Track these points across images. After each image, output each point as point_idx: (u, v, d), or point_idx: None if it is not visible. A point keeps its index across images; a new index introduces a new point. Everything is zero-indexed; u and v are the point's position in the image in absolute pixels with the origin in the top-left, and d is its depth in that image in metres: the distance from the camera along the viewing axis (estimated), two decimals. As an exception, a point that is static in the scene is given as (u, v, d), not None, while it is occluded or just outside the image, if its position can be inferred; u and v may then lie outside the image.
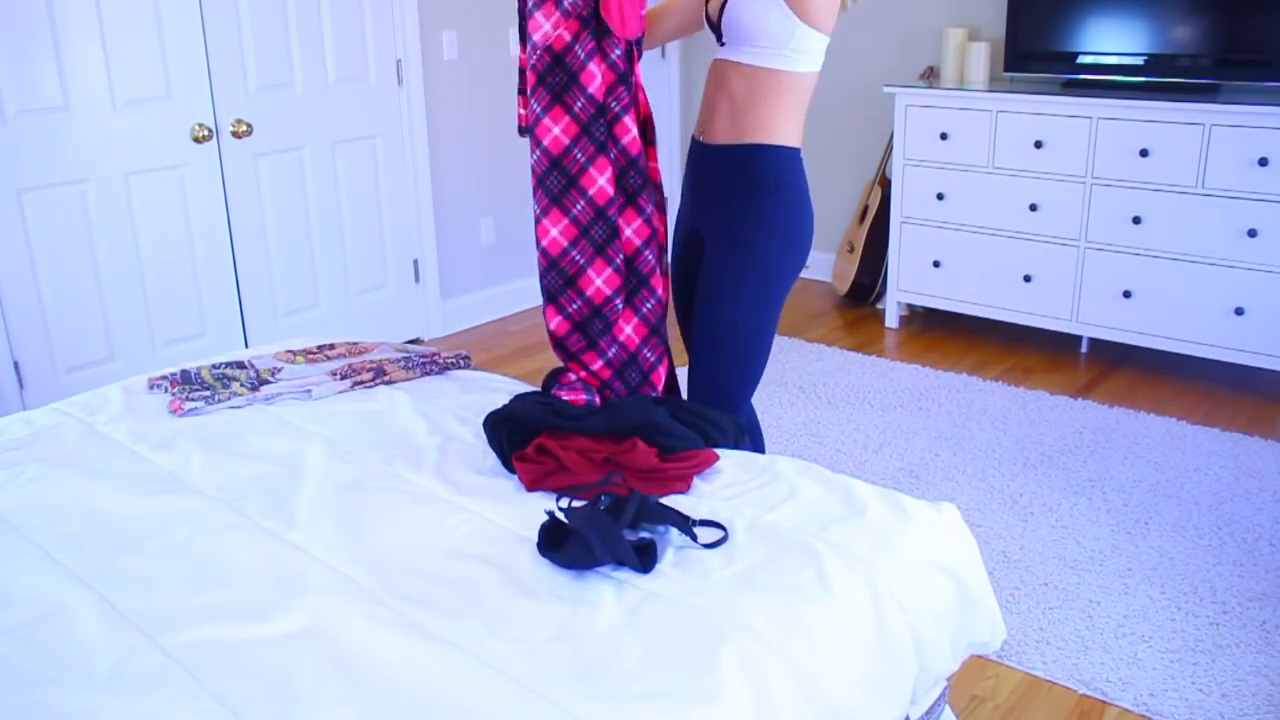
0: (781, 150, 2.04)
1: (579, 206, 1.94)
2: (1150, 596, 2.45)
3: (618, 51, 1.92)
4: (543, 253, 1.96)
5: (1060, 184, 3.82)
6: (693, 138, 2.17)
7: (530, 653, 1.29)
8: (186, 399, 2.07)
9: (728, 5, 1.98)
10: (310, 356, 2.28)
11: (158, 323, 3.44)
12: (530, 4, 1.89)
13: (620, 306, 2.00)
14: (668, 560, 1.49)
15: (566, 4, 1.86)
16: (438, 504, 1.67)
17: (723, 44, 2.03)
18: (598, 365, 2.03)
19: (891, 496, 1.68)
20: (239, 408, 2.07)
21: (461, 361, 2.33)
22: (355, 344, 2.38)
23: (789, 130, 2.05)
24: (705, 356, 2.10)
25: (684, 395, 2.33)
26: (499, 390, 2.17)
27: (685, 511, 1.61)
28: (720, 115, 2.07)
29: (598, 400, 2.03)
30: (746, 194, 2.05)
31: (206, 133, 3.41)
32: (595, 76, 1.89)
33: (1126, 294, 3.75)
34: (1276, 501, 2.88)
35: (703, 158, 2.13)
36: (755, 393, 2.21)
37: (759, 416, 3.46)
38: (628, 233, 2.02)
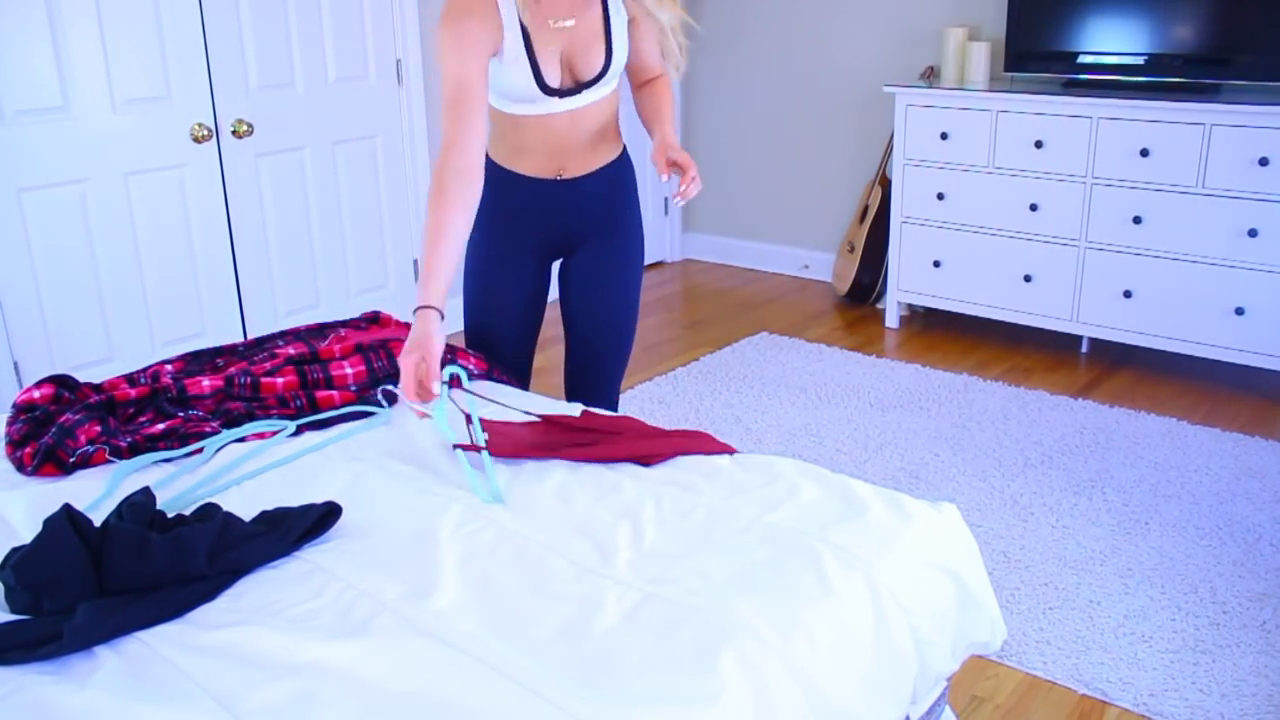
0: (624, 157, 2.24)
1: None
2: (1150, 596, 2.45)
3: None
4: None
5: (1060, 184, 3.82)
6: (531, 179, 2.16)
7: (530, 653, 1.29)
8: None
9: (613, 58, 2.04)
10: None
11: (157, 323, 3.44)
12: None
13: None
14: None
15: None
16: (437, 497, 1.67)
17: (581, 90, 2.06)
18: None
19: (891, 496, 1.67)
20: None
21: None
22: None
23: (619, 135, 2.22)
24: (608, 356, 2.29)
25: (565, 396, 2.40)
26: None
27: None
28: (582, 150, 2.14)
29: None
30: (620, 201, 2.22)
31: (207, 133, 3.40)
32: None
33: (1127, 294, 3.75)
34: (1277, 501, 2.87)
35: (567, 192, 2.17)
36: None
37: (760, 417, 3.47)
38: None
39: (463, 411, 1.86)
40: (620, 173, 2.22)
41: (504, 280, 2.26)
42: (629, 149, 2.28)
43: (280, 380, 2.06)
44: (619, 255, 2.22)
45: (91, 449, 1.81)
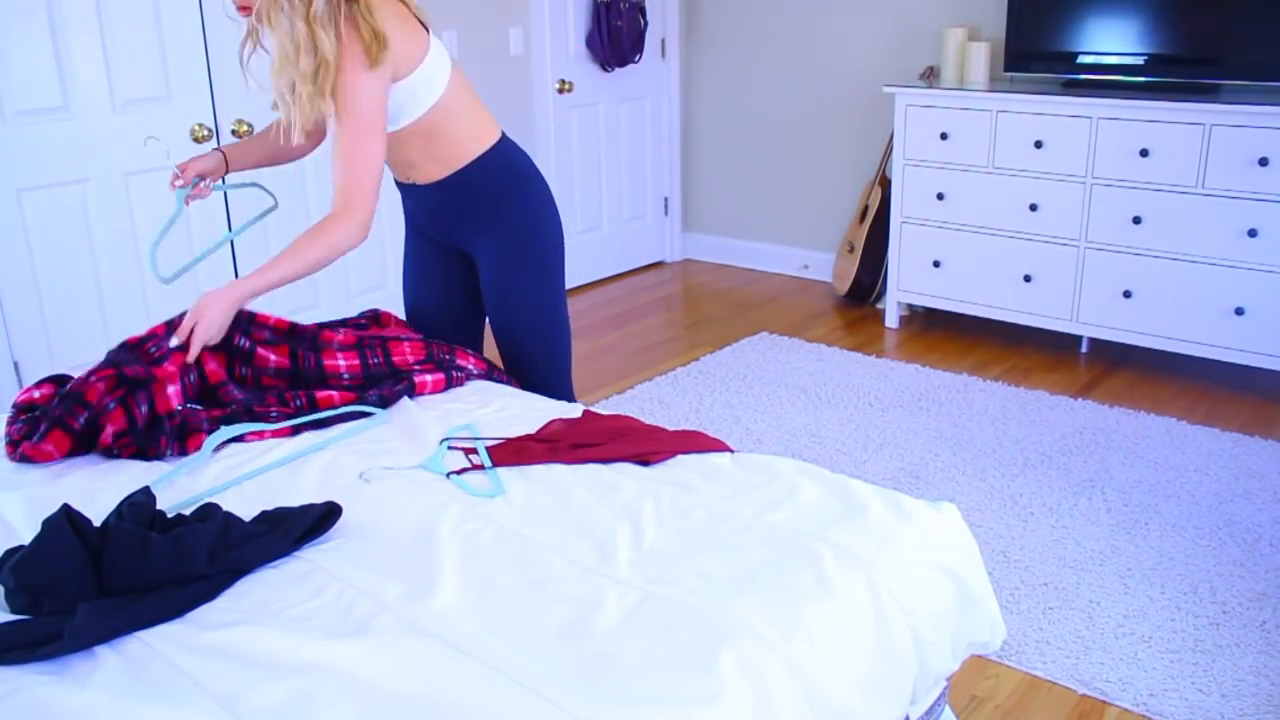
0: (475, 165, 2.18)
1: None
2: (1150, 596, 2.45)
3: None
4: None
5: (1060, 184, 3.82)
6: (398, 181, 2.28)
7: (530, 653, 1.29)
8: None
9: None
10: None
11: (157, 323, 3.43)
12: None
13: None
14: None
15: None
16: (436, 497, 1.67)
17: None
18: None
19: (891, 496, 1.67)
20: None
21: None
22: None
23: (471, 145, 2.17)
24: (534, 352, 2.31)
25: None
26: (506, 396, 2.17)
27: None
28: (410, 164, 2.19)
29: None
30: (486, 205, 2.21)
31: (207, 133, 3.40)
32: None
33: (1126, 294, 3.75)
34: (1276, 501, 2.88)
35: (426, 195, 2.24)
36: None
37: (760, 417, 3.47)
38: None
39: (464, 449, 1.85)
40: (474, 181, 2.19)
41: (413, 271, 2.43)
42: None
43: (273, 356, 2.05)
44: (507, 253, 2.24)
45: (110, 405, 1.86)
